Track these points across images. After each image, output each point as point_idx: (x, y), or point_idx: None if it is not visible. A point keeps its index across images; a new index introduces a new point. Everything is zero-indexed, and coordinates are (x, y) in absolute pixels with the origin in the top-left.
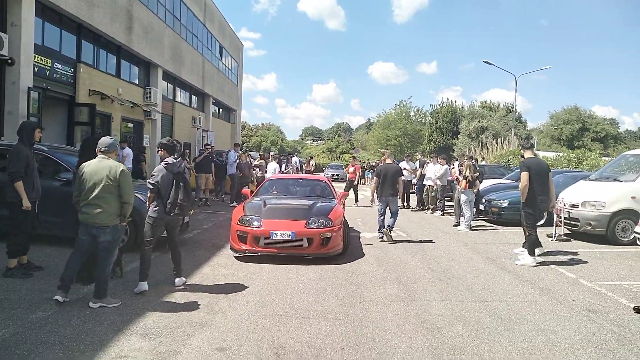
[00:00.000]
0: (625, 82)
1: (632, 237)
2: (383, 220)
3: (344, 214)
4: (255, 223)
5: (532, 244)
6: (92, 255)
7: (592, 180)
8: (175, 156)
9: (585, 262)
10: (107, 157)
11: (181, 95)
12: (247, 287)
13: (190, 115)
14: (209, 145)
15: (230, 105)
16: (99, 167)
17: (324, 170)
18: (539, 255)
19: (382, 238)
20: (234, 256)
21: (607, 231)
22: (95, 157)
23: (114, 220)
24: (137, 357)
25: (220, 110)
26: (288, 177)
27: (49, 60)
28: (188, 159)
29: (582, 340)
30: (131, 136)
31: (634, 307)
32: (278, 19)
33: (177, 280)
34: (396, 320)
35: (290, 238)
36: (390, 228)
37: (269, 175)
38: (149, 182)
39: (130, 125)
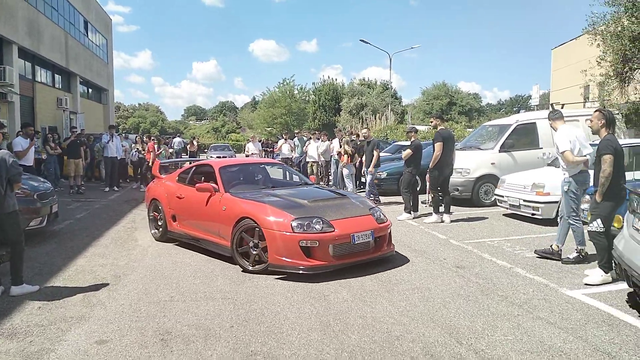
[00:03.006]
0: (486, 59)
1: (493, 199)
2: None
3: None
4: (324, 226)
5: (437, 204)
6: None
7: (458, 149)
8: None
9: (454, 223)
10: None
11: (42, 75)
12: (128, 276)
13: (55, 96)
14: (76, 128)
15: (100, 85)
16: None
17: (206, 152)
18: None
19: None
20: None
21: (472, 195)
22: None
23: None
24: None
25: (90, 90)
26: (242, 162)
27: None
28: (52, 144)
29: (452, 294)
30: None
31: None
32: None
33: None
34: (285, 293)
35: (370, 239)
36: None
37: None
38: None
39: None
